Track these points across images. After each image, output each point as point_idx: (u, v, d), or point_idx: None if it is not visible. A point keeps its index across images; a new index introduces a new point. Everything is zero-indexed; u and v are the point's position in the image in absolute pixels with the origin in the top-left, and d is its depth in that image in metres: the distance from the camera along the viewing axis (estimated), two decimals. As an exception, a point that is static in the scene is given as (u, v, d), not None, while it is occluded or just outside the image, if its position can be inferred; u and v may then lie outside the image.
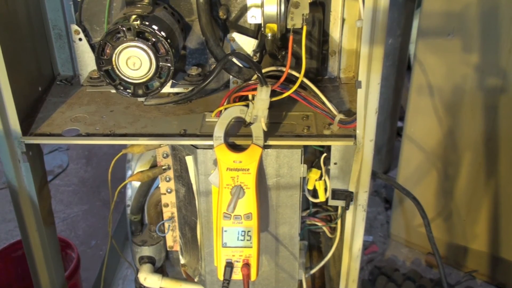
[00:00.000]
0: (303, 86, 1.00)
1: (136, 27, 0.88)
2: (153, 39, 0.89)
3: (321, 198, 1.06)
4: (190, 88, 1.01)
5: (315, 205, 1.20)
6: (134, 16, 0.89)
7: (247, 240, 0.98)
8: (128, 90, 0.94)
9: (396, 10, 2.22)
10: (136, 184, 1.24)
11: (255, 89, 0.95)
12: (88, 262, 2.13)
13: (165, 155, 1.15)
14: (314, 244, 1.47)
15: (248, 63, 0.96)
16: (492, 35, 1.69)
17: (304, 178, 1.03)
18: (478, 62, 1.74)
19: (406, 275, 1.99)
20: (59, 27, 1.12)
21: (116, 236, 2.06)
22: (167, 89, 1.03)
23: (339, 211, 1.16)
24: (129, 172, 1.23)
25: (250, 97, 0.96)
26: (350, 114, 0.97)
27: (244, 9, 1.01)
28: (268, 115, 0.93)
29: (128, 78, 0.92)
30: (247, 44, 1.01)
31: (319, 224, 1.21)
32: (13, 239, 2.07)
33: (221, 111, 0.95)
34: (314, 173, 1.05)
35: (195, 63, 1.06)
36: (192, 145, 0.99)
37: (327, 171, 1.03)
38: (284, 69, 0.98)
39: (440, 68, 1.84)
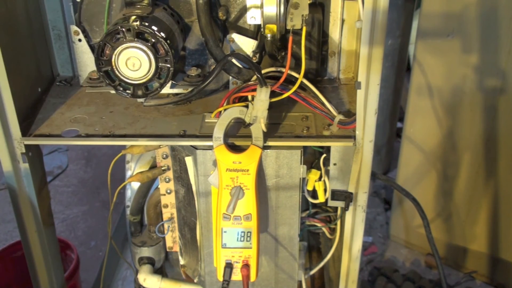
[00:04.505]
0: (302, 87, 1.00)
1: (136, 27, 0.88)
2: (153, 40, 0.89)
3: (321, 199, 1.06)
4: (189, 89, 1.01)
5: (314, 206, 1.20)
6: (133, 17, 0.89)
7: (247, 241, 0.98)
8: (127, 91, 0.94)
9: (396, 11, 2.22)
10: (136, 185, 1.24)
11: (254, 90, 0.95)
12: (88, 263, 2.13)
13: (164, 156, 1.15)
14: (314, 245, 1.47)
15: (247, 64, 0.96)
16: (492, 36, 1.69)
17: (303, 179, 1.03)
18: (477, 63, 1.74)
19: (406, 276, 1.99)
20: (59, 28, 1.12)
21: (115, 237, 2.06)
22: (166, 90, 1.03)
23: (339, 212, 1.16)
24: (129, 173, 1.23)
25: (249, 97, 0.96)
26: (350, 115, 0.97)
27: (244, 10, 1.01)
28: (268, 115, 0.93)
29: (128, 78, 0.92)
30: (247, 45, 1.01)
31: (318, 225, 1.21)
32: (12, 240, 2.07)
33: (220, 111, 0.95)
34: (314, 174, 1.05)
35: (194, 64, 1.06)
36: (191, 145, 0.99)
37: (327, 172, 1.03)
38: (283, 70, 0.98)
39: (439, 69, 1.84)
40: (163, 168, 1.16)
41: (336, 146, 0.97)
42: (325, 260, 1.22)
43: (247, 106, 0.95)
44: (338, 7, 1.03)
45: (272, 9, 0.92)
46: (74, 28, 1.03)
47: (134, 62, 0.90)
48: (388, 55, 2.29)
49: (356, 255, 1.07)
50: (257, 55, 1.02)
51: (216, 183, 0.97)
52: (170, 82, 0.98)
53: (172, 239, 1.26)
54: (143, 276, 1.25)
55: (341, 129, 0.96)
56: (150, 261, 1.28)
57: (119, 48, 0.89)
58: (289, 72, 0.97)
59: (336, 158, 0.99)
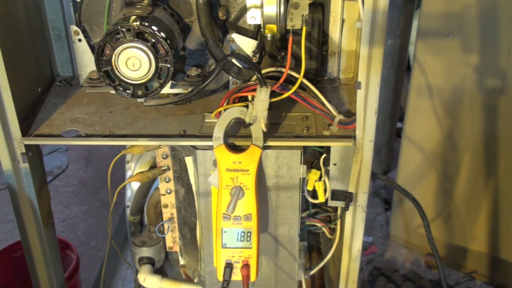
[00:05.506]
0: (302, 87, 1.00)
1: (136, 28, 0.88)
2: (153, 40, 0.89)
3: (321, 199, 1.06)
4: (189, 89, 1.01)
5: (314, 206, 1.20)
6: (133, 17, 0.89)
7: (247, 241, 0.98)
8: (127, 91, 0.94)
9: (396, 11, 2.22)
10: (136, 185, 1.24)
11: (254, 90, 0.95)
12: (88, 263, 2.13)
13: (164, 156, 1.15)
14: (314, 245, 1.47)
15: (247, 64, 0.96)
16: (492, 36, 1.69)
17: (303, 179, 1.03)
18: (477, 63, 1.74)
19: (406, 276, 1.99)
20: (59, 28, 1.12)
21: (115, 237, 2.06)
22: (166, 90, 1.03)
23: (339, 212, 1.16)
24: (129, 173, 1.23)
25: (249, 98, 0.96)
26: (350, 115, 0.97)
27: (244, 10, 1.01)
28: (268, 115, 0.93)
29: (128, 78, 0.92)
30: (247, 45, 1.01)
31: (318, 225, 1.21)
32: (12, 240, 2.07)
33: (220, 111, 0.95)
34: (314, 174, 1.05)
35: (194, 64, 1.06)
36: (191, 146, 0.99)
37: (327, 172, 1.03)
38: (283, 70, 0.98)
39: (439, 69, 1.84)
40: (163, 168, 1.16)
41: (336, 146, 0.97)
42: (325, 260, 1.22)
43: (247, 106, 0.95)
44: (338, 7, 1.03)
45: (272, 9, 0.92)
46: (74, 28, 1.03)
47: (134, 62, 0.90)
48: (388, 55, 2.29)
49: (356, 255, 1.07)
50: (257, 55, 1.02)
51: (216, 183, 0.97)
52: (170, 82, 0.98)
53: (172, 239, 1.26)
54: (143, 276, 1.25)
55: (341, 129, 0.96)
56: (150, 261, 1.28)
57: (119, 48, 0.89)
58: (289, 72, 0.97)
59: (336, 158, 0.99)
